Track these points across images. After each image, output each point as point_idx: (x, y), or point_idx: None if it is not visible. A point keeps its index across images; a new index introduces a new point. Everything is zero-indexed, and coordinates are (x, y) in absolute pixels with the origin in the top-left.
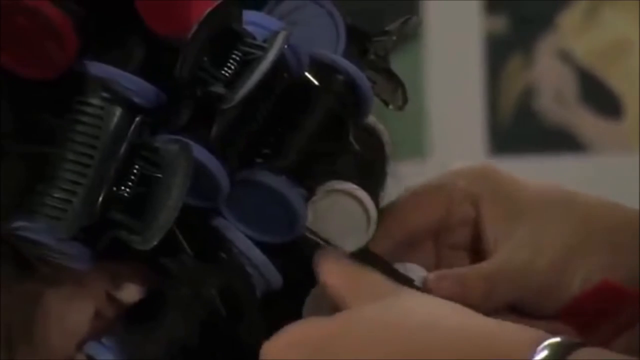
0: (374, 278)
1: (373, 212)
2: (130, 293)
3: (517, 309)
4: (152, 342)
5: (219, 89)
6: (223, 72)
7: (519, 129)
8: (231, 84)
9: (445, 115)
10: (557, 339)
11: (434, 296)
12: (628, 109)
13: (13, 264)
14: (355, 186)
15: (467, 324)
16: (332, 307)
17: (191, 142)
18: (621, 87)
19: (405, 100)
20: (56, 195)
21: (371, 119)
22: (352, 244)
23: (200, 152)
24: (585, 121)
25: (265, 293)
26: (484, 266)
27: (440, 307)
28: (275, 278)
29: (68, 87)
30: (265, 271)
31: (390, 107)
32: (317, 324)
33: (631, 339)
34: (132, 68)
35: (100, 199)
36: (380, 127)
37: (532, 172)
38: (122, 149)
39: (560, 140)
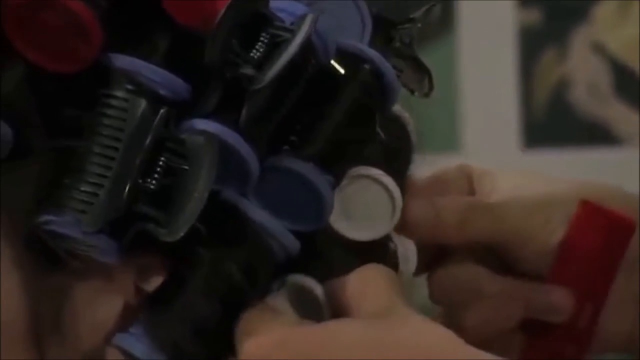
0: (384, 292)
1: (398, 199)
2: (158, 283)
3: (509, 267)
4: (176, 323)
5: (248, 70)
6: (252, 54)
7: (553, 121)
8: (260, 65)
9: (479, 108)
10: None
11: (436, 323)
12: None
13: (42, 257)
14: (381, 172)
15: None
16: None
17: (219, 130)
18: None
19: (431, 88)
20: (83, 188)
21: (396, 108)
22: (377, 231)
23: (230, 136)
24: (619, 114)
25: (285, 260)
26: (459, 197)
27: (438, 336)
28: (293, 244)
29: (93, 80)
30: (282, 238)
31: (416, 94)
32: (304, 329)
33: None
34: (157, 60)
35: (126, 191)
36: (405, 115)
37: (566, 165)
38: (147, 141)
39: (595, 133)
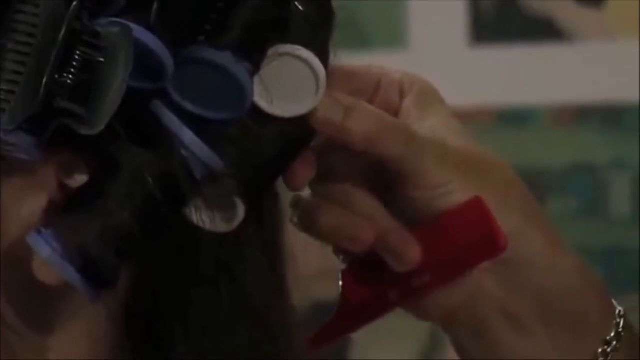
0: None
1: (321, 73)
2: (83, 181)
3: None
4: (86, 228)
5: None
6: None
7: (501, 18)
8: None
9: (427, 4)
10: None
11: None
12: None
13: None
14: (298, 47)
15: None
16: None
17: (131, 24)
18: None
19: None
20: None
21: None
22: (302, 106)
23: (141, 33)
24: (566, 10)
25: (207, 174)
26: (377, 110)
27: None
28: (213, 161)
29: None
30: (201, 154)
31: None
32: None
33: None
34: None
35: (43, 86)
36: None
37: (514, 61)
38: (61, 35)
39: (542, 29)
